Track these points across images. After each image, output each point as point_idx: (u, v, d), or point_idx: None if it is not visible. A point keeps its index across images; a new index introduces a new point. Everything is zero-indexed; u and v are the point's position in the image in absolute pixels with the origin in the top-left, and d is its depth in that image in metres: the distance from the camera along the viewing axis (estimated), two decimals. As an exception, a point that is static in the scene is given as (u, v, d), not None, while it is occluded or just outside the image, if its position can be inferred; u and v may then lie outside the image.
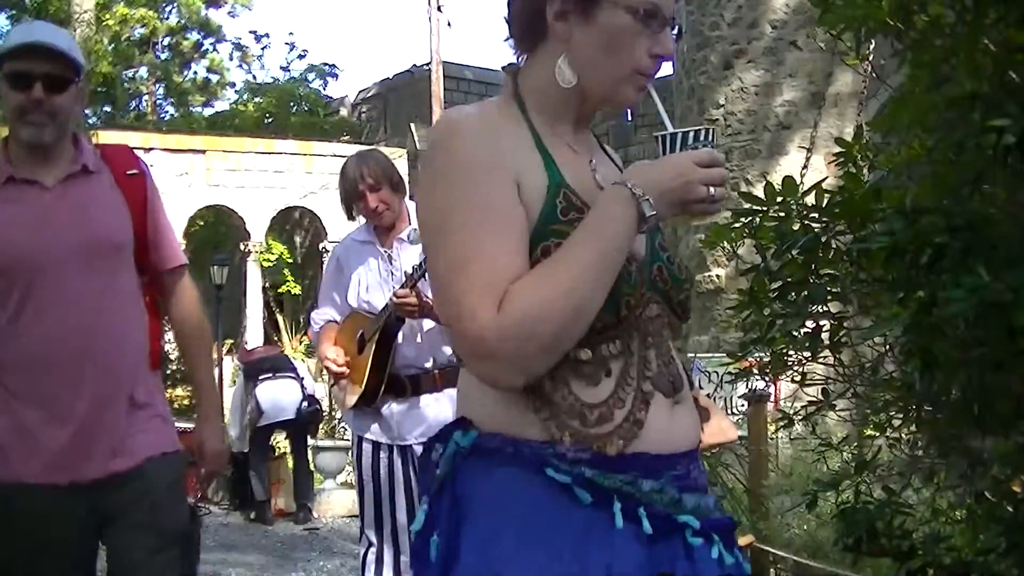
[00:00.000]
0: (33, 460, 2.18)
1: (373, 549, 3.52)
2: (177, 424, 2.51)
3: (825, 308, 2.61)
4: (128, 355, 2.29)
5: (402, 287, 3.31)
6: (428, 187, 1.36)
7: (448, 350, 3.45)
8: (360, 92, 20.83)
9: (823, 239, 2.44)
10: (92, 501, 2.22)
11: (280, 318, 16.39)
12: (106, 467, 2.22)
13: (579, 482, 1.29)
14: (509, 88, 1.47)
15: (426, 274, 3.35)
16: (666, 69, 13.62)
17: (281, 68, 26.74)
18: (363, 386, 3.42)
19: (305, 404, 8.41)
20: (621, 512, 1.29)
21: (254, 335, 16.00)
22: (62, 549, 2.24)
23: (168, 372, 10.77)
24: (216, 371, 13.50)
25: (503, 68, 1.52)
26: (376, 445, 3.50)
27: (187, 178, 15.29)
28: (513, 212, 1.31)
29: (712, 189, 1.36)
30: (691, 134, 1.38)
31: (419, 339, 3.42)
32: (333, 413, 10.39)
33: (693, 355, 9.80)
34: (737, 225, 2.64)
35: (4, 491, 2.19)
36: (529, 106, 1.44)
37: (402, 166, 14.15)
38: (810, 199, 2.49)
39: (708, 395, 6.52)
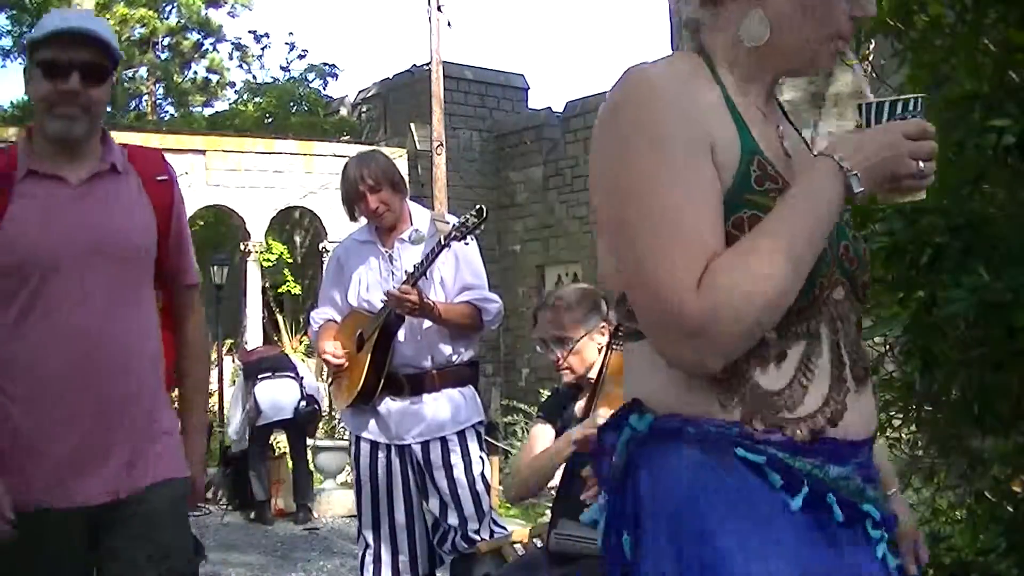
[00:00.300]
0: (31, 476, 2.02)
1: (370, 550, 3.51)
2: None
3: (825, 308, 2.61)
4: (142, 368, 2.13)
5: (403, 284, 3.31)
6: (617, 152, 1.25)
7: (447, 350, 3.45)
8: (360, 92, 20.78)
9: (823, 239, 2.44)
10: (91, 523, 2.06)
11: (280, 318, 16.38)
12: (109, 489, 2.06)
13: (771, 463, 1.21)
14: (694, 44, 1.35)
15: (427, 272, 3.37)
16: (666, 69, 13.68)
17: (281, 68, 26.70)
18: (361, 384, 3.42)
19: (303, 404, 8.40)
20: (806, 497, 1.22)
21: (254, 335, 15.99)
22: (55, 572, 2.07)
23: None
24: (216, 371, 13.40)
25: (685, 22, 1.39)
26: (374, 445, 3.49)
27: (187, 178, 15.26)
28: (711, 182, 1.22)
29: (921, 163, 1.26)
30: (899, 104, 1.29)
31: (418, 338, 3.42)
32: (332, 413, 10.38)
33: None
34: (737, 225, 2.65)
35: None
36: (718, 65, 1.32)
37: (402, 166, 14.14)
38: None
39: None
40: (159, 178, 2.23)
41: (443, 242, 3.30)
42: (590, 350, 2.86)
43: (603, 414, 2.76)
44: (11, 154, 2.11)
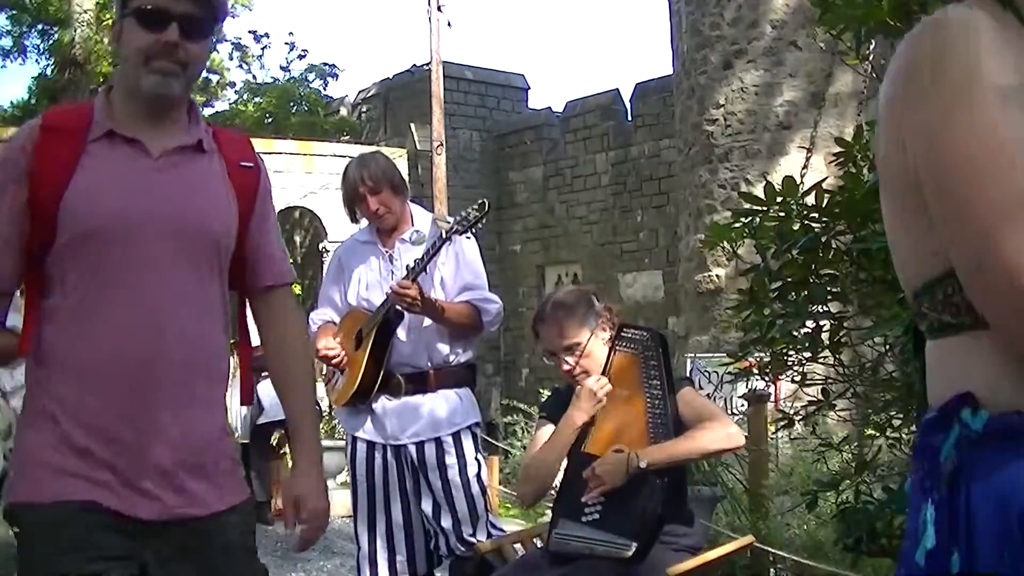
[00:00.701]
0: (72, 481, 1.76)
1: (363, 552, 3.49)
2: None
3: (825, 308, 2.61)
4: (211, 377, 1.92)
5: (403, 279, 3.30)
6: (942, 117, 1.09)
7: (445, 350, 3.45)
8: (360, 92, 20.74)
9: (823, 239, 2.44)
10: (140, 547, 1.78)
11: (280, 318, 16.39)
12: (161, 506, 1.80)
13: None
14: None
15: (428, 270, 3.36)
16: (666, 68, 13.52)
17: (281, 68, 26.55)
18: (358, 381, 3.41)
19: (305, 404, 8.38)
20: None
21: (255, 334, 15.98)
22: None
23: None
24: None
25: None
26: (371, 445, 3.48)
27: (187, 178, 15.25)
28: None
29: None
30: None
31: (417, 337, 3.42)
32: (332, 413, 10.38)
33: (693, 355, 9.80)
34: (737, 225, 2.65)
35: (39, 517, 1.76)
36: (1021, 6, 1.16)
37: (402, 166, 14.14)
38: (810, 199, 2.49)
39: (708, 395, 6.53)
40: (244, 164, 2.01)
41: (445, 235, 3.29)
42: (599, 348, 2.87)
43: (593, 381, 2.77)
44: (85, 110, 1.89)
